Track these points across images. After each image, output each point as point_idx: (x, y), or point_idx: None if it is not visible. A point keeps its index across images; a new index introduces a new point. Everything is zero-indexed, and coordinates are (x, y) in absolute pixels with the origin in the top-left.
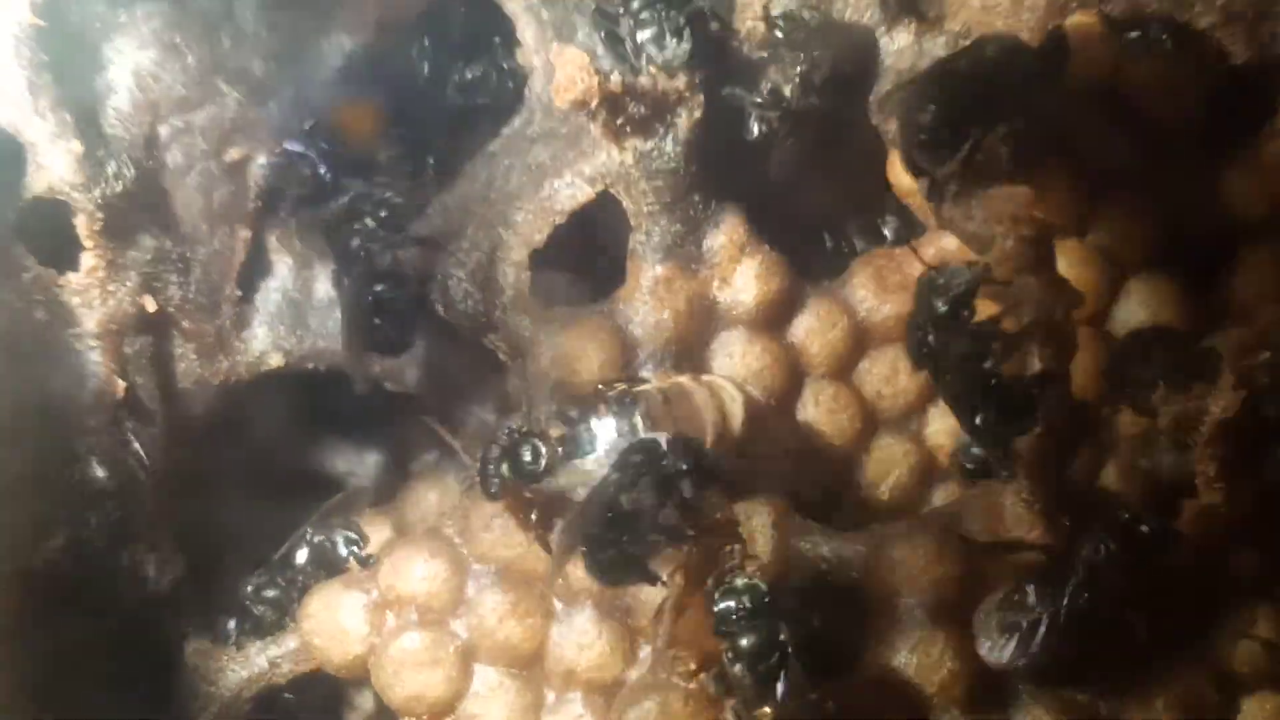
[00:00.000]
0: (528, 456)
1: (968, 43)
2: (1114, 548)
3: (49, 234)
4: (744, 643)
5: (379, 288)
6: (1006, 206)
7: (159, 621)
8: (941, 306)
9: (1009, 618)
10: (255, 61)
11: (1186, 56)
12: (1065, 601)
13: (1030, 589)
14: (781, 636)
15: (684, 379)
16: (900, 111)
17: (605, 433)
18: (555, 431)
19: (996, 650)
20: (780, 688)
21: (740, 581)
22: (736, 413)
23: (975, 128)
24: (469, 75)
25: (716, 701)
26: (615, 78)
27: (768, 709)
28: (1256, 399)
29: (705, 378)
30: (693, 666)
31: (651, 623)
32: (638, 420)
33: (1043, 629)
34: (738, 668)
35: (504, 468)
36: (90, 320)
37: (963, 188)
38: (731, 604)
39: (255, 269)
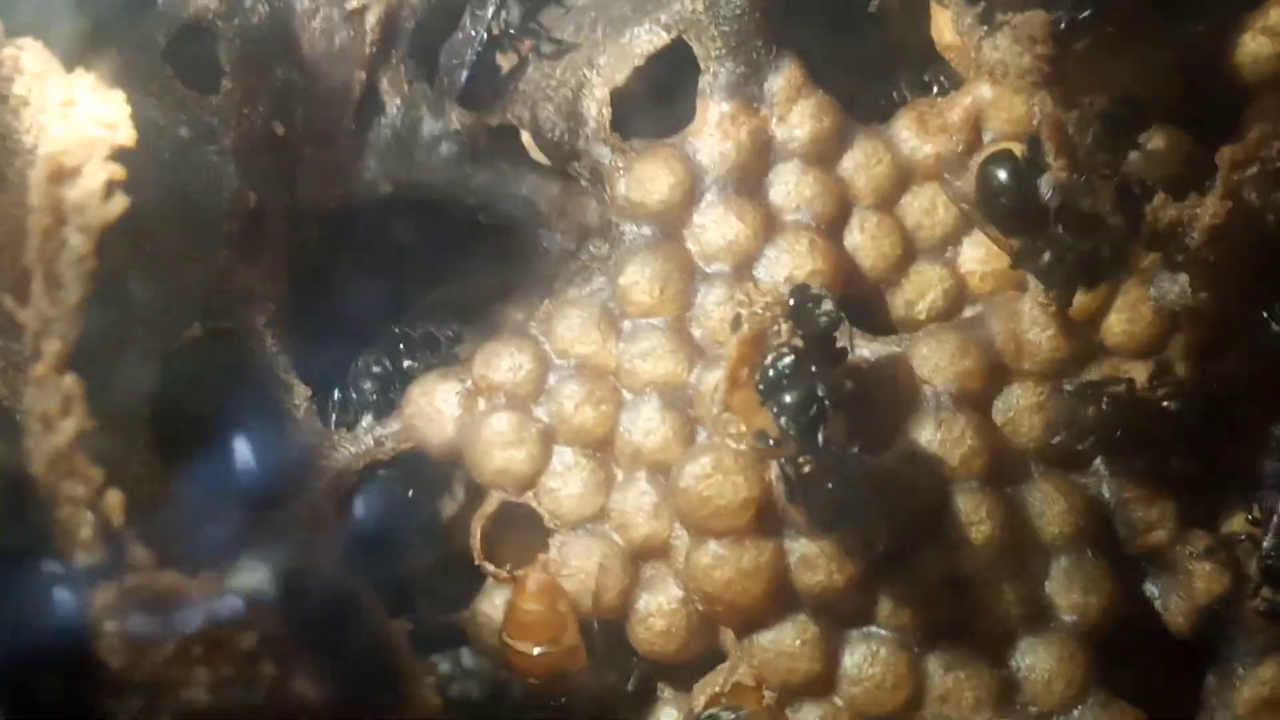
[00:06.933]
0: None
1: None
2: None
3: (195, 59)
4: (787, 398)
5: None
6: (1025, 28)
7: (282, 401)
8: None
9: None
10: None
11: None
12: None
13: None
14: (820, 392)
15: None
16: None
17: None
18: None
19: None
20: (820, 437)
21: (784, 351)
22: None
23: None
24: None
25: (763, 458)
26: None
27: (809, 459)
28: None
29: None
30: (743, 429)
31: (708, 396)
32: None
33: None
34: (783, 420)
35: None
36: (227, 138)
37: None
38: (773, 371)
39: (369, 107)
